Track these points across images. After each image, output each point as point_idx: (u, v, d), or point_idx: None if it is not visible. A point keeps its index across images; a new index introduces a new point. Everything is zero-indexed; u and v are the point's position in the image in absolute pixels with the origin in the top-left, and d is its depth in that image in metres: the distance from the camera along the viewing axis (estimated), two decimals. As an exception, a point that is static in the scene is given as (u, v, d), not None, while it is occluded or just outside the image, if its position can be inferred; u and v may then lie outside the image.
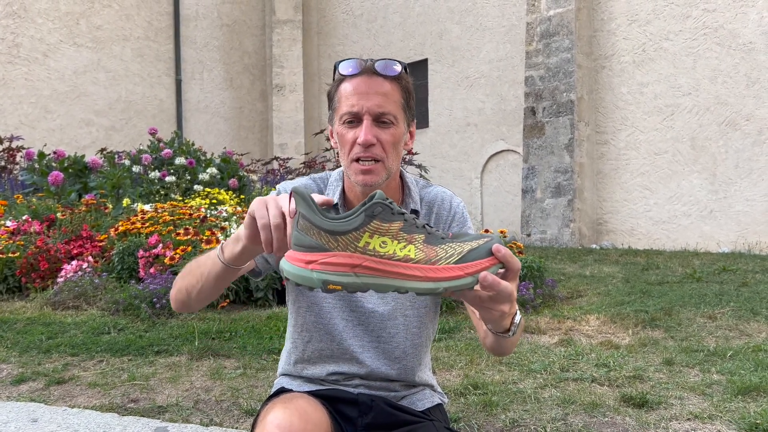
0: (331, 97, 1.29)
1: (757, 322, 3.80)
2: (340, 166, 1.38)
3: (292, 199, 0.98)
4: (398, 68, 1.24)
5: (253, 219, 1.03)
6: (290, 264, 0.91)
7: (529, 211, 9.30)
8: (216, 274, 1.16)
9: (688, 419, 2.25)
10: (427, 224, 0.95)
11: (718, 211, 8.11)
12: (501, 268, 0.97)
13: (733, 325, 3.74)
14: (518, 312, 1.13)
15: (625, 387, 2.63)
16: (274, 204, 1.01)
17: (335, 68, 1.27)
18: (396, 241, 0.91)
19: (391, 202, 0.92)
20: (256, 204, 1.02)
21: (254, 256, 1.16)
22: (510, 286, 0.97)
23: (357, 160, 1.23)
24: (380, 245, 0.90)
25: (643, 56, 8.78)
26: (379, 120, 1.22)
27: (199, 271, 1.20)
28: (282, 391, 1.38)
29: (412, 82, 1.32)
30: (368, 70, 1.23)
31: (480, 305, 1.01)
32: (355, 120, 1.23)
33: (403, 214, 0.93)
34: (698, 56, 8.27)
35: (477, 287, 0.98)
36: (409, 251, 0.91)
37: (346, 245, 0.90)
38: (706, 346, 3.27)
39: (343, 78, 1.25)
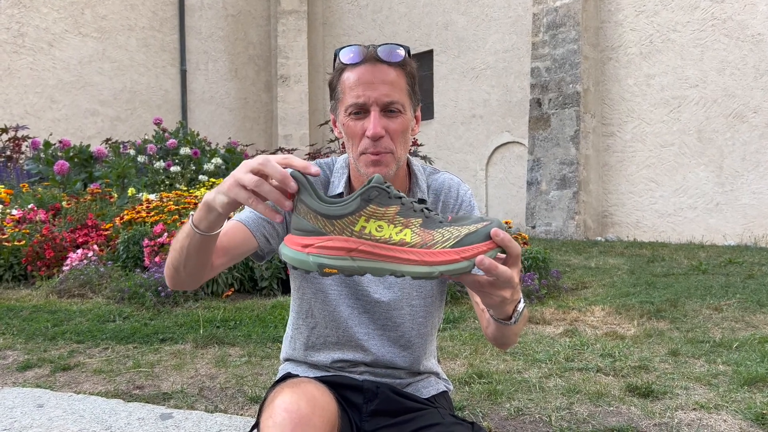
0: (333, 87, 1.25)
1: (763, 313, 3.79)
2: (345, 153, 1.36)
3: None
4: (402, 53, 1.20)
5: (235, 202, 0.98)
6: (288, 247, 0.92)
7: (534, 203, 9.27)
8: (196, 245, 1.11)
9: (694, 409, 2.25)
10: (426, 207, 0.95)
11: (725, 204, 8.08)
12: (501, 253, 0.96)
13: (739, 316, 3.73)
14: (522, 301, 1.11)
15: (631, 377, 2.62)
16: (243, 177, 0.95)
17: (335, 56, 1.22)
18: (392, 225, 0.91)
19: (388, 186, 0.91)
20: (234, 191, 0.96)
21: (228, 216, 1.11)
22: (509, 271, 0.95)
23: (365, 152, 1.20)
24: (376, 229, 0.90)
25: (650, 48, 8.72)
26: (387, 110, 1.19)
27: (178, 245, 1.15)
28: (288, 376, 1.37)
29: (419, 74, 1.28)
30: (371, 57, 1.18)
31: (480, 290, 0.99)
32: (361, 111, 1.19)
33: (400, 198, 0.92)
34: (706, 48, 8.21)
35: (478, 271, 0.97)
36: (405, 235, 0.91)
37: (342, 229, 0.90)
38: (712, 337, 3.26)
39: (345, 66, 1.21)
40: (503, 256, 0.97)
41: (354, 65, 1.20)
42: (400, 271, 0.90)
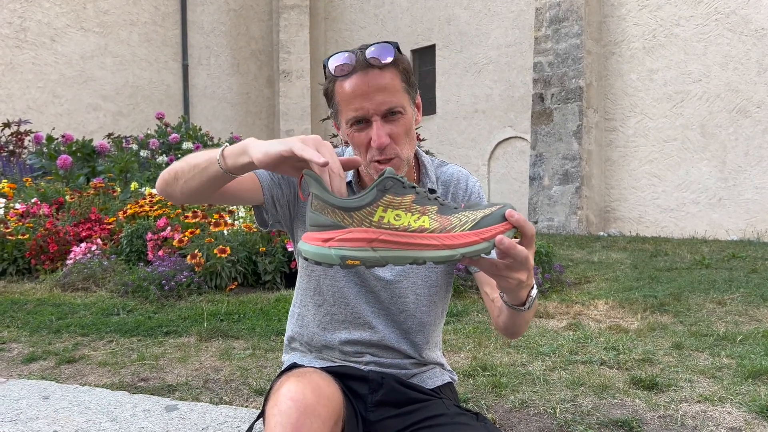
0: (329, 97, 1.23)
1: (767, 307, 3.79)
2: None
3: (303, 181, 0.98)
4: (392, 52, 1.16)
5: (290, 156, 0.96)
6: (308, 244, 0.93)
7: (537, 199, 9.26)
8: (210, 174, 1.11)
9: (698, 401, 2.25)
10: (438, 196, 0.97)
11: (727, 199, 8.06)
12: (516, 237, 0.98)
13: (743, 310, 3.73)
14: (535, 287, 1.13)
15: (635, 370, 2.62)
16: (327, 151, 0.96)
17: (324, 66, 1.20)
18: (410, 214, 0.92)
19: (401, 177, 0.93)
20: (302, 145, 0.95)
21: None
22: (525, 251, 0.97)
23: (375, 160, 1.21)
24: (395, 218, 0.91)
25: (653, 42, 8.69)
26: (388, 114, 1.18)
27: (195, 161, 1.14)
28: (294, 366, 1.38)
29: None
30: (362, 64, 1.16)
31: (497, 274, 1.01)
32: (363, 122, 1.19)
33: (414, 187, 0.94)
34: (709, 42, 8.19)
35: (493, 255, 0.98)
36: (424, 222, 0.92)
37: (361, 221, 0.91)
38: (716, 330, 3.26)
39: (337, 78, 1.19)
40: (517, 239, 0.99)
41: (345, 76, 1.17)
42: (422, 258, 0.92)
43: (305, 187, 0.97)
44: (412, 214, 0.92)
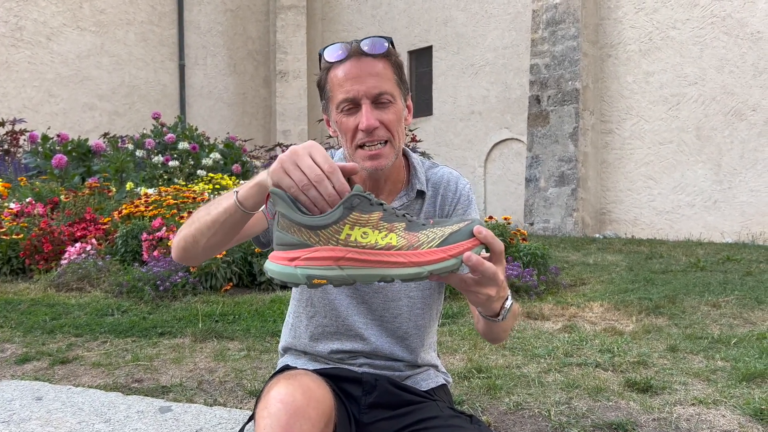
0: (321, 87, 1.26)
1: (761, 310, 3.80)
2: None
3: (269, 200, 0.98)
4: (386, 44, 1.20)
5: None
6: (274, 263, 0.92)
7: (533, 200, 9.28)
8: (234, 222, 1.13)
9: (693, 404, 2.25)
10: (406, 213, 0.96)
11: (723, 202, 8.09)
12: (485, 252, 0.98)
13: (738, 313, 3.73)
14: (510, 297, 1.12)
15: (629, 372, 2.62)
16: (304, 163, 0.96)
17: (320, 56, 1.23)
18: (377, 231, 0.92)
19: (368, 194, 0.93)
20: (280, 174, 0.96)
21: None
22: (493, 267, 0.97)
23: (361, 146, 1.20)
24: (361, 236, 0.91)
25: (649, 45, 8.72)
26: (378, 101, 1.19)
27: (210, 219, 1.16)
28: (287, 368, 1.37)
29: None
30: (356, 52, 1.19)
31: (466, 289, 1.01)
32: (353, 106, 1.19)
33: (381, 204, 0.94)
34: (705, 45, 8.21)
35: (465, 270, 0.98)
36: (391, 239, 0.92)
37: (327, 239, 0.90)
38: (711, 333, 3.26)
39: (331, 65, 1.21)
40: (487, 255, 0.99)
41: (339, 62, 1.20)
42: (390, 276, 0.91)
43: (271, 206, 0.96)
44: (380, 232, 0.92)
